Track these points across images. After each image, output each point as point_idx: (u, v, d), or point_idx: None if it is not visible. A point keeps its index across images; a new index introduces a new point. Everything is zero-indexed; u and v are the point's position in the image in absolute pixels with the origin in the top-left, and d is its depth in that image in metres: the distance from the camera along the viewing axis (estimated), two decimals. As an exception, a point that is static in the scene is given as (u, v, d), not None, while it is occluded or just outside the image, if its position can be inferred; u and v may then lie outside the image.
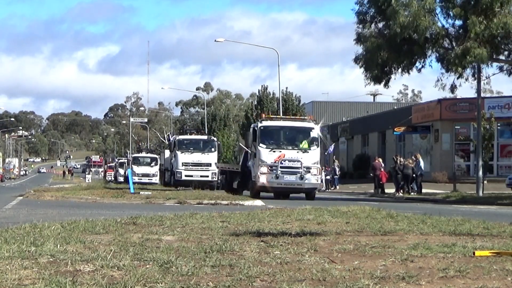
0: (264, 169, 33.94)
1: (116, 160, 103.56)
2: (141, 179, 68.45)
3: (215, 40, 61.57)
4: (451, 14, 35.81)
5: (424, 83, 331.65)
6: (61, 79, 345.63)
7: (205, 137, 55.48)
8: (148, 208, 21.38)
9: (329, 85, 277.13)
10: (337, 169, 59.44)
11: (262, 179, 33.75)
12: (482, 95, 44.44)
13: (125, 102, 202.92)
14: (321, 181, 42.78)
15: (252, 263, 8.00)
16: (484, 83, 42.76)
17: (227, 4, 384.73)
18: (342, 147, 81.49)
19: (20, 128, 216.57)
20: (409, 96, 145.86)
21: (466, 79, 38.09)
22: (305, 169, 34.04)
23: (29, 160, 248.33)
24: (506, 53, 38.57)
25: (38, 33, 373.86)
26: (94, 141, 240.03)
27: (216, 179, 49.86)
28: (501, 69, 39.77)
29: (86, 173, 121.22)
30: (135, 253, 8.61)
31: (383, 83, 38.87)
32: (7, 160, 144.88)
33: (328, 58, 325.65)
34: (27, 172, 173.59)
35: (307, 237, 10.58)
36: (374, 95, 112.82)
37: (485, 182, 43.41)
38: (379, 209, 17.35)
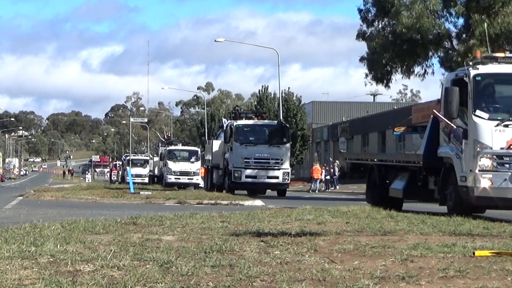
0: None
1: (124, 157, 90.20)
2: (179, 178, 57.48)
3: (215, 40, 61.49)
4: (453, 13, 35.82)
5: (423, 83, 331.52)
6: (64, 79, 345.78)
7: (273, 122, 42.05)
8: (148, 208, 21.38)
9: (333, 85, 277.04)
10: (337, 169, 59.41)
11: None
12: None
13: (125, 102, 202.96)
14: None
15: (252, 263, 8.00)
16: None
17: (233, 3, 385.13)
18: (342, 147, 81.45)
19: (20, 128, 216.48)
20: (408, 96, 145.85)
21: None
22: None
23: (29, 160, 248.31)
24: (507, 53, 38.56)
25: (42, 32, 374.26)
26: (94, 141, 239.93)
27: (288, 180, 39.26)
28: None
29: (87, 173, 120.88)
30: (135, 253, 8.61)
31: (384, 83, 38.91)
32: (7, 160, 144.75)
33: (333, 58, 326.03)
34: (27, 172, 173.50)
35: (307, 237, 10.58)
36: (374, 95, 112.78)
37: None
38: (379, 209, 17.35)
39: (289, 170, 39.05)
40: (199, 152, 60.25)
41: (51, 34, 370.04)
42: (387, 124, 68.18)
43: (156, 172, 66.40)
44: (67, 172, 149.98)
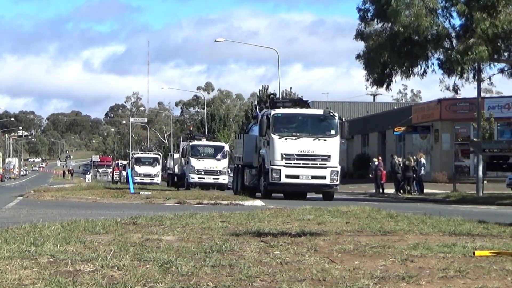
0: None
1: (132, 155, 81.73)
2: (203, 178, 50.97)
3: (215, 40, 61.62)
4: (454, 12, 35.81)
5: (423, 83, 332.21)
6: (65, 79, 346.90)
7: (318, 111, 34.82)
8: (148, 208, 21.37)
9: (334, 85, 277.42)
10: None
11: None
12: (482, 95, 44.44)
13: (125, 102, 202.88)
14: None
15: (252, 263, 8.00)
16: (487, 84, 42.81)
17: (235, 3, 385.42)
18: (342, 147, 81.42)
19: (20, 128, 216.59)
20: (409, 96, 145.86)
21: (467, 80, 38.12)
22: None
23: (29, 160, 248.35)
24: (506, 54, 38.59)
25: (44, 32, 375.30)
26: (94, 141, 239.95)
27: (338, 180, 32.71)
28: (501, 71, 39.78)
29: (88, 173, 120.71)
30: (135, 253, 8.61)
31: (384, 85, 38.81)
32: (7, 160, 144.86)
33: (334, 58, 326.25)
34: (27, 172, 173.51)
35: (307, 237, 10.58)
36: (374, 95, 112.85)
37: (485, 182, 43.40)
38: (379, 209, 17.35)
39: (338, 169, 32.54)
40: (226, 148, 54.56)
41: (52, 34, 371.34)
42: (387, 124, 68.26)
43: (176, 170, 58.46)
44: (67, 172, 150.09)
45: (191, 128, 77.68)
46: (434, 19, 35.30)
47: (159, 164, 72.43)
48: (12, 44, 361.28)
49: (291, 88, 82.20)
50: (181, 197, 28.17)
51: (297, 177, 31.85)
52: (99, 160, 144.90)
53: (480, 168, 39.14)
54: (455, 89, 38.80)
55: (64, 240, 9.83)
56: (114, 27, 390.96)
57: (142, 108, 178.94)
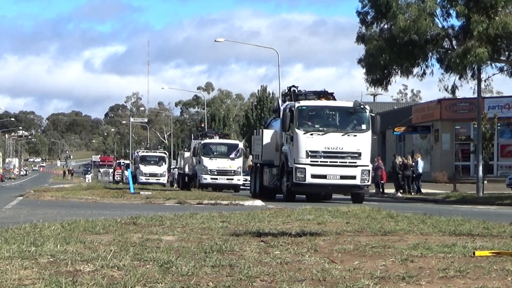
0: None
1: (137, 153, 75.88)
2: (216, 178, 47.58)
3: (215, 40, 61.63)
4: (453, 13, 35.84)
5: (423, 83, 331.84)
6: (66, 79, 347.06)
7: (347, 103, 31.15)
8: (148, 208, 21.37)
9: (336, 85, 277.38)
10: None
11: None
12: (482, 95, 44.45)
13: (125, 102, 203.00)
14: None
15: (252, 263, 8.00)
16: (485, 85, 42.80)
17: (236, 3, 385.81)
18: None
19: (20, 128, 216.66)
20: (409, 96, 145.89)
21: (467, 80, 38.16)
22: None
23: (29, 160, 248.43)
24: (506, 53, 38.61)
25: (45, 32, 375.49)
26: (94, 141, 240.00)
27: (369, 180, 29.93)
28: (501, 70, 39.80)
29: (89, 173, 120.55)
30: (135, 253, 8.61)
31: (383, 86, 38.91)
32: (7, 160, 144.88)
33: (335, 58, 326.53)
34: (27, 172, 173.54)
35: (307, 237, 10.58)
36: (374, 95, 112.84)
37: (485, 182, 43.41)
38: (379, 209, 17.35)
39: (369, 168, 29.72)
40: (241, 146, 50.68)
41: (53, 33, 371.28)
42: (387, 124, 68.29)
43: (187, 170, 54.73)
44: (67, 172, 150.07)
45: (203, 125, 73.04)
46: (433, 20, 35.34)
47: (165, 163, 69.52)
48: (13, 44, 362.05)
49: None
50: (181, 197, 28.17)
51: (324, 177, 28.91)
52: (99, 160, 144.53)
53: (480, 168, 39.15)
54: (453, 90, 38.84)
55: (64, 240, 9.83)
56: (115, 27, 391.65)
57: (142, 108, 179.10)
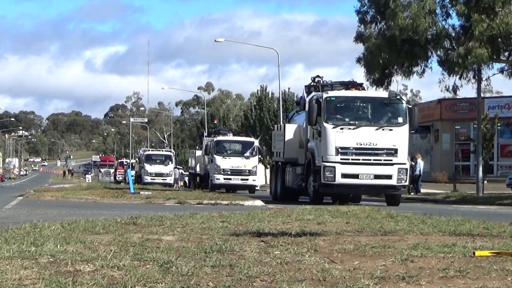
0: None
1: (141, 152, 72.44)
2: (229, 179, 44.39)
3: (215, 40, 61.59)
4: (454, 13, 35.86)
5: (423, 83, 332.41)
6: (66, 79, 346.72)
7: (382, 94, 28.99)
8: (148, 208, 21.37)
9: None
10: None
11: None
12: (482, 95, 44.47)
13: (125, 102, 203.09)
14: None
15: (252, 263, 8.00)
16: (485, 85, 42.82)
17: (237, 3, 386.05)
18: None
19: (20, 128, 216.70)
20: (409, 96, 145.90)
21: (468, 80, 38.17)
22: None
23: (29, 160, 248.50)
24: (506, 54, 38.63)
25: (46, 32, 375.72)
26: (94, 141, 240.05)
27: (406, 180, 26.90)
28: (502, 71, 39.82)
29: (89, 173, 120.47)
30: (135, 253, 8.61)
31: (384, 86, 38.86)
32: (7, 160, 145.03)
33: (336, 58, 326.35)
34: (27, 172, 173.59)
35: (307, 237, 10.58)
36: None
37: (485, 182, 43.41)
38: (379, 209, 17.35)
39: (407, 166, 26.78)
40: (256, 144, 46.95)
41: (54, 33, 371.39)
42: (387, 124, 68.21)
43: (198, 169, 51.37)
44: (67, 172, 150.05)
45: (215, 122, 68.15)
46: (433, 19, 35.34)
47: (172, 163, 66.01)
48: (14, 44, 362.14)
49: (289, 88, 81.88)
50: (181, 197, 28.17)
51: (356, 176, 26.06)
52: (99, 160, 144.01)
53: (480, 168, 39.16)
54: (455, 89, 38.85)
55: (64, 240, 9.83)
56: (116, 27, 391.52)
57: (142, 108, 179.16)
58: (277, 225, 12.78)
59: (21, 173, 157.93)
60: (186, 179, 72.22)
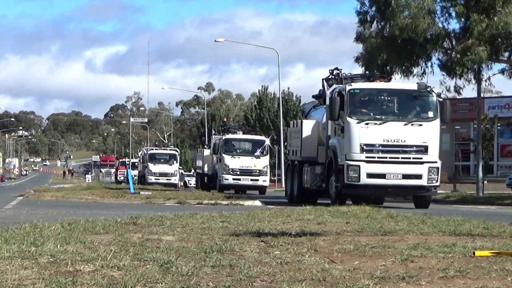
0: None
1: (145, 151, 70.34)
2: (239, 179, 42.77)
3: (215, 40, 61.70)
4: (453, 13, 35.88)
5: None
6: (67, 78, 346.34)
7: (411, 86, 26.14)
8: (148, 208, 21.38)
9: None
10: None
11: None
12: (482, 95, 44.47)
13: (125, 102, 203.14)
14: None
15: (252, 263, 8.00)
16: (486, 85, 42.83)
17: (238, 3, 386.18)
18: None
19: (20, 128, 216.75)
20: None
21: (468, 81, 38.15)
22: None
23: (29, 160, 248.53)
24: (506, 54, 38.63)
25: (47, 32, 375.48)
26: (94, 141, 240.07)
27: (438, 180, 24.63)
28: (503, 72, 39.83)
29: (90, 173, 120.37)
30: (135, 253, 8.61)
31: None
32: (7, 160, 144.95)
33: (337, 58, 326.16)
34: (27, 172, 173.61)
35: (307, 237, 10.58)
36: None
37: (485, 182, 43.41)
38: (379, 209, 17.34)
39: (439, 165, 24.55)
40: (267, 143, 44.98)
41: (55, 33, 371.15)
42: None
43: (206, 169, 49.46)
44: (67, 172, 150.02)
45: (225, 119, 65.71)
46: (433, 19, 35.37)
47: (176, 162, 63.99)
48: (15, 44, 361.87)
49: (288, 88, 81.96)
50: (181, 197, 28.19)
51: (383, 176, 24.09)
52: (100, 159, 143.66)
53: (480, 168, 39.16)
54: (458, 90, 38.82)
55: (64, 240, 9.82)
56: (117, 27, 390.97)
57: (142, 108, 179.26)
58: (277, 225, 12.78)
59: (22, 173, 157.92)
60: (187, 179, 72.27)
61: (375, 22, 37.59)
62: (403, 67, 37.82)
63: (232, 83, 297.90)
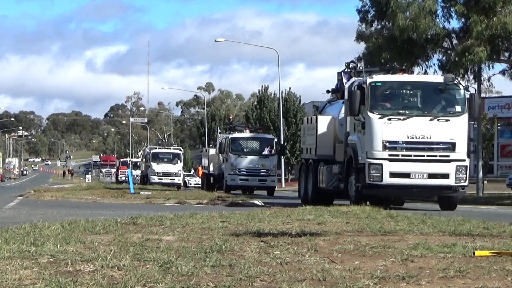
0: None
1: (147, 150, 68.58)
2: (246, 180, 41.07)
3: (215, 40, 61.74)
4: (453, 13, 35.91)
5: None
6: (67, 78, 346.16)
7: (437, 78, 25.27)
8: (148, 208, 21.38)
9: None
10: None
11: None
12: (482, 95, 44.47)
13: (125, 102, 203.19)
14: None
15: (252, 263, 8.00)
16: (487, 85, 42.86)
17: (239, 3, 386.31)
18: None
19: (20, 128, 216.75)
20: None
21: (467, 80, 38.21)
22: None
23: (29, 160, 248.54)
24: (506, 54, 38.65)
25: (47, 32, 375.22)
26: (94, 141, 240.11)
27: (466, 180, 22.93)
28: (503, 72, 39.84)
29: (90, 173, 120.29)
30: (135, 253, 8.61)
31: None
32: (7, 160, 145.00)
33: (338, 57, 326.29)
34: (27, 172, 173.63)
35: (307, 237, 10.58)
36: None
37: (485, 182, 43.41)
38: (379, 209, 17.33)
39: (467, 163, 22.74)
40: (275, 142, 43.19)
41: (55, 33, 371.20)
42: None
43: (211, 169, 47.71)
44: (67, 172, 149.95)
45: (231, 117, 60.63)
46: (433, 20, 35.40)
47: (180, 161, 62.54)
48: (15, 44, 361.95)
49: (290, 88, 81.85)
50: (181, 197, 28.20)
51: (407, 175, 22.31)
52: (100, 159, 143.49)
53: (480, 168, 39.16)
54: None
55: (64, 240, 9.82)
56: (117, 26, 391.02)
57: (142, 108, 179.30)
58: (277, 225, 12.78)
59: (22, 173, 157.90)
60: (186, 179, 72.24)
61: (376, 21, 37.64)
62: (404, 67, 37.85)
63: (232, 83, 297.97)
